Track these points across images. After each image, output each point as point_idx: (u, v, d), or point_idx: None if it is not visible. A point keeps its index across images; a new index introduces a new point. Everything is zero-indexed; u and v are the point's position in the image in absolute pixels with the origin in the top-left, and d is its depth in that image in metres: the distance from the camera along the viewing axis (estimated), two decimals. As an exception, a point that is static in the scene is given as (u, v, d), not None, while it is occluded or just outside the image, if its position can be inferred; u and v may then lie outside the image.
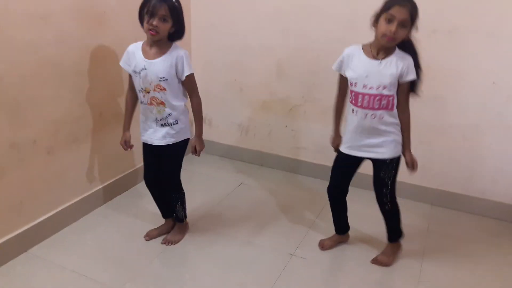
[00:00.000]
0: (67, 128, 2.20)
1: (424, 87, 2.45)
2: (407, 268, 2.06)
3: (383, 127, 1.82)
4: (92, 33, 2.23)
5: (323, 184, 2.83)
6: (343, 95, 1.96)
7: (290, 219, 2.46)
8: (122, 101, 2.50)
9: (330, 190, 2.10)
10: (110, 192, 2.57)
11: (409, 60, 1.76)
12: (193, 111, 1.99)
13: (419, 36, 2.37)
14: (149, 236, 2.21)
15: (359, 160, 1.96)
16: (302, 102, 2.85)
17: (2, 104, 1.84)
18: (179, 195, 2.14)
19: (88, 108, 2.30)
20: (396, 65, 1.74)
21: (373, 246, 2.19)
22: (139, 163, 2.74)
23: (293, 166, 3.03)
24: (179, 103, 1.93)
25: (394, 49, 1.77)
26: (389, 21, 1.67)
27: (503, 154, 2.41)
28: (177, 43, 1.92)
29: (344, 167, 2.03)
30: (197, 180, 2.86)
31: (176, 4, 1.79)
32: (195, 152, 2.04)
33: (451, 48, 2.35)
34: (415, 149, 2.57)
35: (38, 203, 2.11)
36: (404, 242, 2.15)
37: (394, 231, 2.06)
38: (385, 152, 1.87)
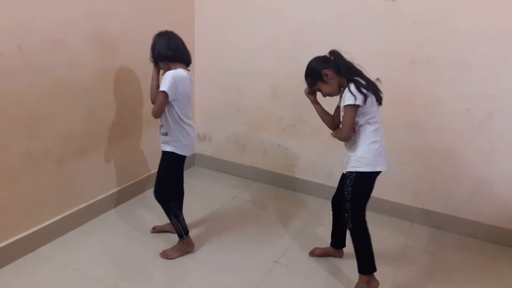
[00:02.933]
0: (77, 140, 2.44)
1: (405, 112, 2.69)
2: (384, 274, 2.18)
3: (349, 145, 2.01)
4: (102, 57, 2.49)
5: (312, 200, 3.07)
6: None
7: (277, 230, 2.65)
8: (127, 117, 2.76)
9: (332, 200, 2.25)
10: (115, 200, 2.80)
11: (346, 89, 1.89)
12: None
13: (400, 66, 2.62)
14: (155, 229, 2.53)
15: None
16: (294, 123, 3.08)
17: (21, 118, 2.10)
18: (168, 207, 2.27)
19: (96, 123, 2.55)
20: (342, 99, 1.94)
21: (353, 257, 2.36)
22: (142, 174, 3.00)
23: (285, 182, 3.23)
24: (170, 119, 2.14)
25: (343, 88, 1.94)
26: None
27: (476, 176, 2.58)
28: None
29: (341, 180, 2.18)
30: (195, 192, 3.07)
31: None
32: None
33: (429, 76, 2.56)
34: (398, 169, 2.77)
35: (47, 207, 2.34)
36: (382, 254, 2.30)
37: (361, 261, 2.02)
38: (347, 167, 2.02)
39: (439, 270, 2.32)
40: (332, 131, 2.09)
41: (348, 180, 1.99)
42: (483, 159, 2.54)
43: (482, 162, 2.55)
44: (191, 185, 3.11)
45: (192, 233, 2.55)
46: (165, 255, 2.32)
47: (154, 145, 3.06)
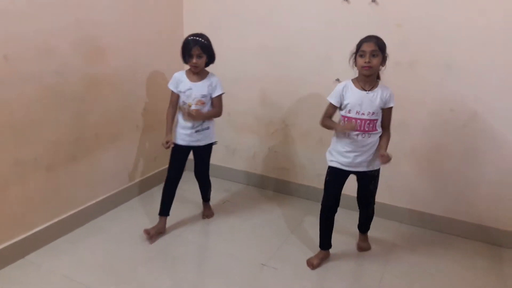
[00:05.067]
0: (66, 147, 2.46)
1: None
2: (370, 274, 2.28)
3: (370, 145, 2.19)
4: (90, 64, 2.52)
5: (302, 202, 3.09)
6: (330, 117, 2.23)
7: (266, 233, 2.67)
8: (116, 124, 2.78)
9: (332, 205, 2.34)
10: (104, 206, 2.81)
11: (390, 90, 2.13)
12: (213, 110, 2.51)
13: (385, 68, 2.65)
14: (150, 235, 2.50)
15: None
16: (283, 126, 3.10)
17: (9, 125, 2.12)
18: (210, 182, 2.79)
19: (85, 130, 2.57)
20: (381, 96, 2.11)
21: (339, 259, 2.40)
22: (132, 180, 3.02)
23: (275, 185, 3.26)
24: None
25: (377, 81, 2.14)
26: (362, 56, 2.06)
27: (462, 176, 2.61)
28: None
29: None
30: (187, 197, 3.07)
31: (205, 42, 2.38)
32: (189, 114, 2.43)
33: (412, 78, 2.59)
34: (385, 170, 2.80)
35: (36, 214, 2.36)
36: (370, 253, 2.41)
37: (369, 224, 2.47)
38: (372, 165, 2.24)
39: (426, 270, 2.34)
40: (382, 139, 2.23)
41: (376, 177, 2.30)
42: (468, 159, 2.57)
43: (467, 162, 2.58)
44: (183, 190, 3.11)
45: (182, 236, 2.58)
46: (208, 216, 2.82)
47: (144, 151, 3.10)
